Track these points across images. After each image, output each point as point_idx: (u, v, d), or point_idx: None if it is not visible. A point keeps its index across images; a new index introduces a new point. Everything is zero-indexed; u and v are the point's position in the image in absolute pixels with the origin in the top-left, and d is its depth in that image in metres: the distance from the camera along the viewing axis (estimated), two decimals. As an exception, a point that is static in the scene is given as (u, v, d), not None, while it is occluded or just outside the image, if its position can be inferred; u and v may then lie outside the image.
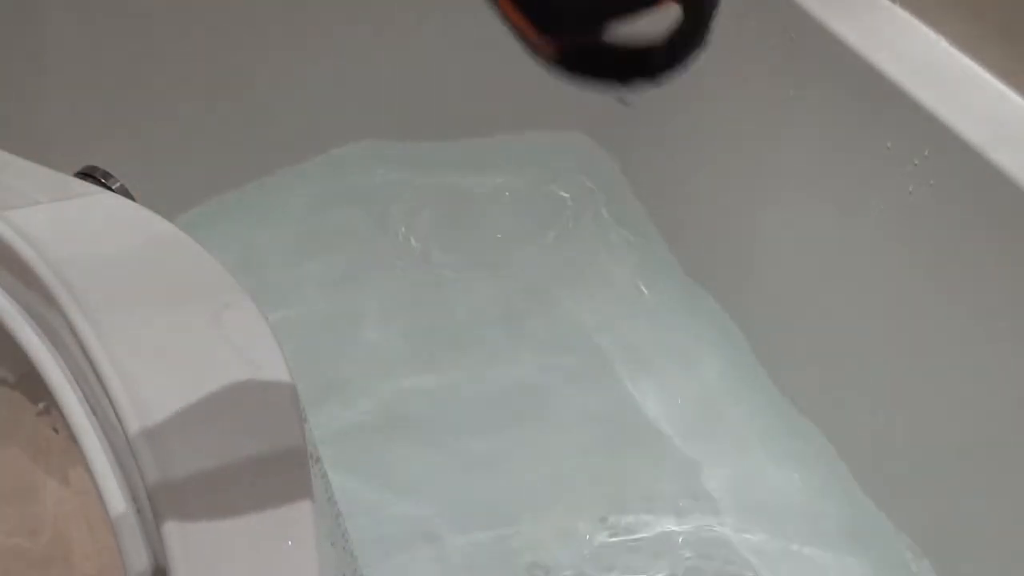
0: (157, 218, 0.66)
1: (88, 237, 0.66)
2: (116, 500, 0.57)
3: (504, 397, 1.17)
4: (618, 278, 1.28)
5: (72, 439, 0.60)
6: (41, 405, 0.64)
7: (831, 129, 1.01)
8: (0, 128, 1.02)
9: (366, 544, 1.03)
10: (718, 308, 1.20)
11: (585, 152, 1.34)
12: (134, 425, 0.57)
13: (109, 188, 0.73)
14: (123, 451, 0.58)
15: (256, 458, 0.58)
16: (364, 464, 1.10)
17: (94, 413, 0.61)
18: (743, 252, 1.16)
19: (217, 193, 1.29)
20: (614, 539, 1.04)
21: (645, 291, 1.26)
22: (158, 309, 0.62)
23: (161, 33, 1.16)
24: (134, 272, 0.65)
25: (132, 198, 0.71)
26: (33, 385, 0.63)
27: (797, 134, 1.06)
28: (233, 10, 1.20)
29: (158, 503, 0.55)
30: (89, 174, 0.75)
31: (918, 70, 0.93)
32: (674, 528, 1.05)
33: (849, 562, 1.03)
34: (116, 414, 0.58)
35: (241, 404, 0.60)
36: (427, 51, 1.32)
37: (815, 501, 1.08)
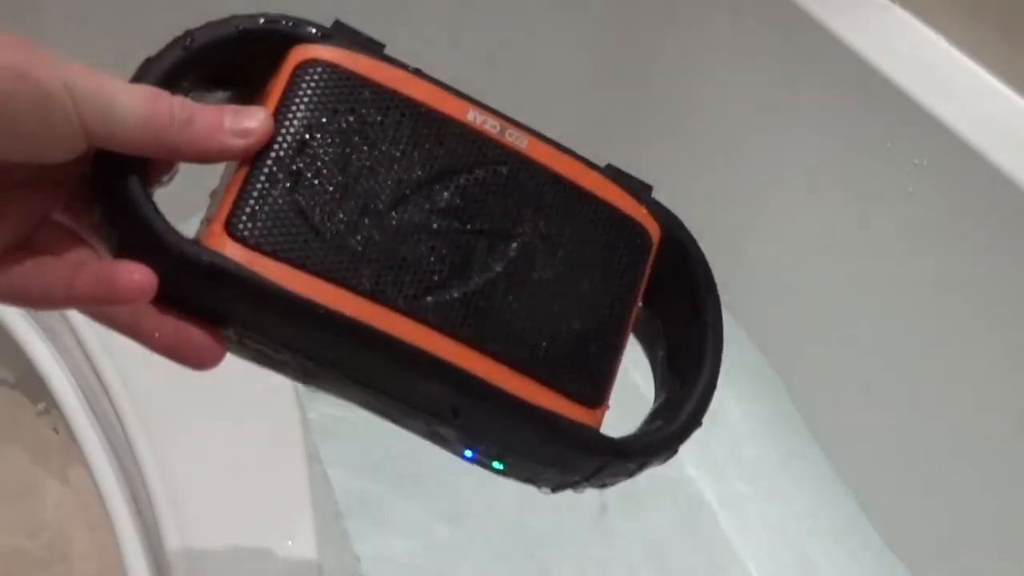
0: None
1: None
2: (116, 500, 0.57)
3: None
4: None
5: (72, 439, 0.60)
6: (41, 405, 0.64)
7: (831, 129, 1.01)
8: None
9: (365, 544, 1.04)
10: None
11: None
12: (134, 425, 0.57)
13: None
14: (123, 451, 0.58)
15: (256, 458, 0.58)
16: (364, 464, 1.10)
17: (94, 413, 0.61)
18: (740, 251, 1.16)
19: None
20: None
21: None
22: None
23: (162, 32, 1.16)
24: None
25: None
26: (33, 385, 0.63)
27: (797, 134, 1.05)
28: (236, 10, 1.20)
29: (158, 503, 0.55)
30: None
31: (918, 70, 0.92)
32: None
33: None
34: (116, 414, 0.58)
35: (241, 404, 0.60)
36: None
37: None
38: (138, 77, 0.38)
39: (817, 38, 0.97)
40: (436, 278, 0.38)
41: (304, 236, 0.37)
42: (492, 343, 0.38)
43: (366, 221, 0.37)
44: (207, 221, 0.38)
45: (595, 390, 0.40)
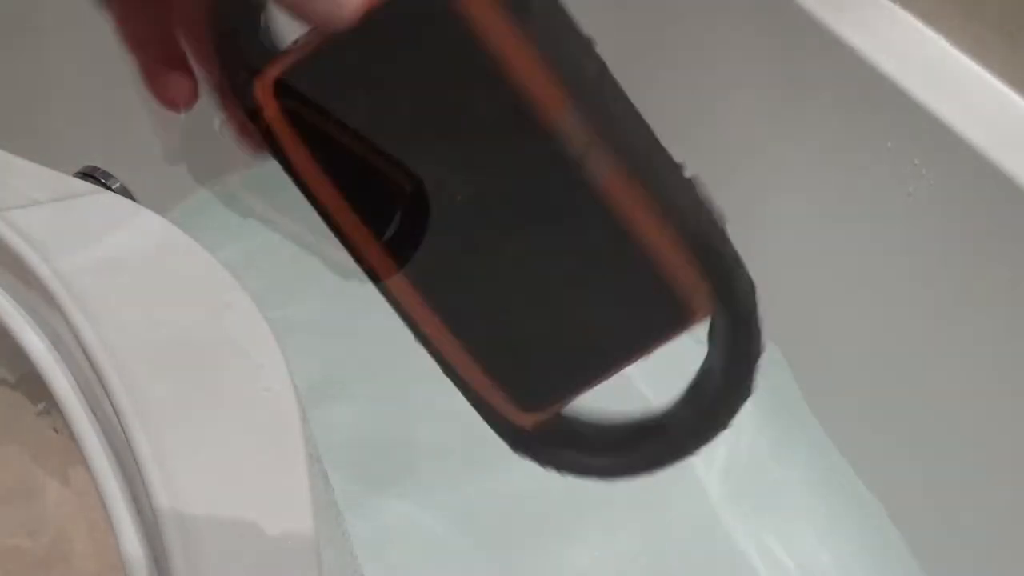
0: (157, 218, 0.66)
1: (88, 237, 0.66)
2: (116, 500, 0.57)
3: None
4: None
5: (72, 439, 0.60)
6: (41, 405, 0.64)
7: (831, 129, 1.01)
8: (0, 128, 1.02)
9: (366, 545, 1.04)
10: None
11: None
12: (134, 425, 0.57)
13: (109, 188, 0.73)
14: (123, 451, 0.58)
15: (256, 458, 0.58)
16: (365, 464, 1.10)
17: (94, 413, 0.61)
18: (739, 251, 1.16)
19: (217, 192, 1.29)
20: None
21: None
22: (158, 309, 0.62)
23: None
24: (134, 272, 0.65)
25: (132, 198, 0.71)
26: (33, 385, 0.63)
27: (797, 134, 1.05)
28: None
29: (158, 503, 0.55)
30: (89, 174, 0.75)
31: (918, 70, 0.93)
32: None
33: None
34: (116, 414, 0.58)
35: (240, 404, 0.60)
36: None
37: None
38: None
39: (818, 38, 0.97)
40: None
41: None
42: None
43: None
44: None
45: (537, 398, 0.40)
